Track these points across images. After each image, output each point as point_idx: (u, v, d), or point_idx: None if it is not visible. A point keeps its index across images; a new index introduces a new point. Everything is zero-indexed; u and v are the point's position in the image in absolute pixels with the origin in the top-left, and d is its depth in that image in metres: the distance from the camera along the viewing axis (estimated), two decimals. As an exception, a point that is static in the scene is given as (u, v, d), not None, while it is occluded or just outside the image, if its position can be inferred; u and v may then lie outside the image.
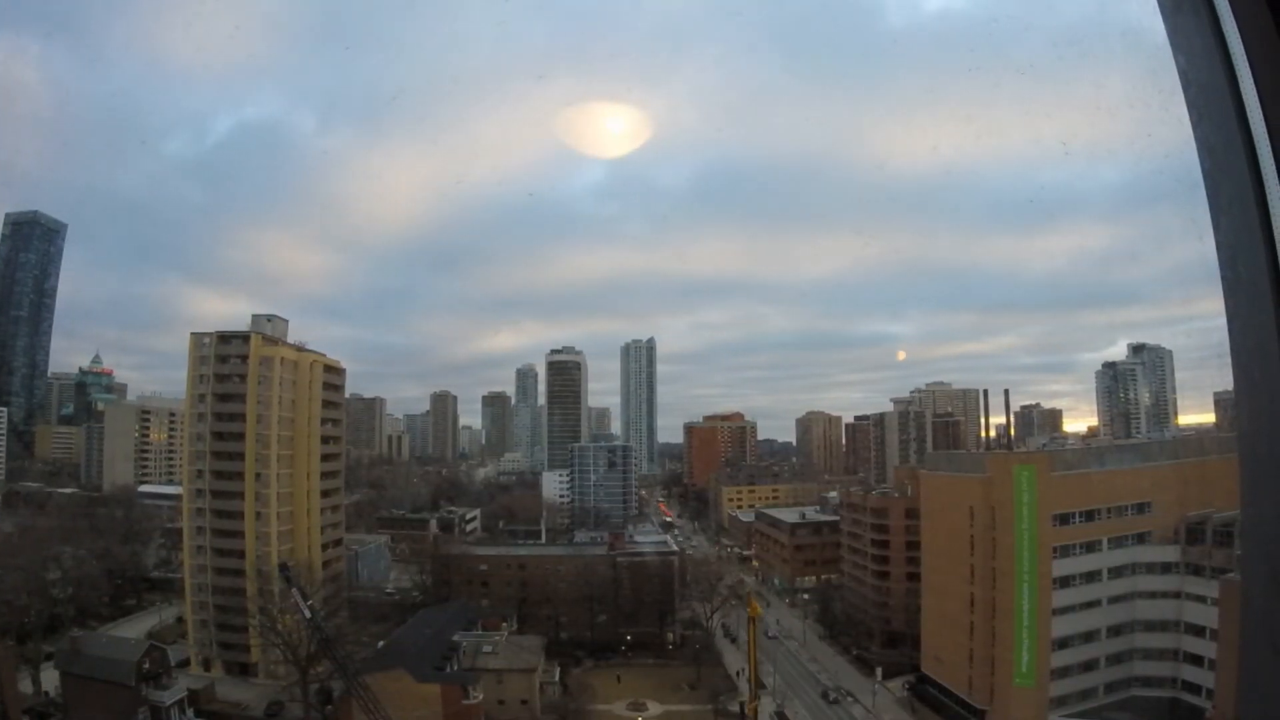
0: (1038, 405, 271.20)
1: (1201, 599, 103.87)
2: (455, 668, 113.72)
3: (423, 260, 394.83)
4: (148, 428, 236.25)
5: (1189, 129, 4.68)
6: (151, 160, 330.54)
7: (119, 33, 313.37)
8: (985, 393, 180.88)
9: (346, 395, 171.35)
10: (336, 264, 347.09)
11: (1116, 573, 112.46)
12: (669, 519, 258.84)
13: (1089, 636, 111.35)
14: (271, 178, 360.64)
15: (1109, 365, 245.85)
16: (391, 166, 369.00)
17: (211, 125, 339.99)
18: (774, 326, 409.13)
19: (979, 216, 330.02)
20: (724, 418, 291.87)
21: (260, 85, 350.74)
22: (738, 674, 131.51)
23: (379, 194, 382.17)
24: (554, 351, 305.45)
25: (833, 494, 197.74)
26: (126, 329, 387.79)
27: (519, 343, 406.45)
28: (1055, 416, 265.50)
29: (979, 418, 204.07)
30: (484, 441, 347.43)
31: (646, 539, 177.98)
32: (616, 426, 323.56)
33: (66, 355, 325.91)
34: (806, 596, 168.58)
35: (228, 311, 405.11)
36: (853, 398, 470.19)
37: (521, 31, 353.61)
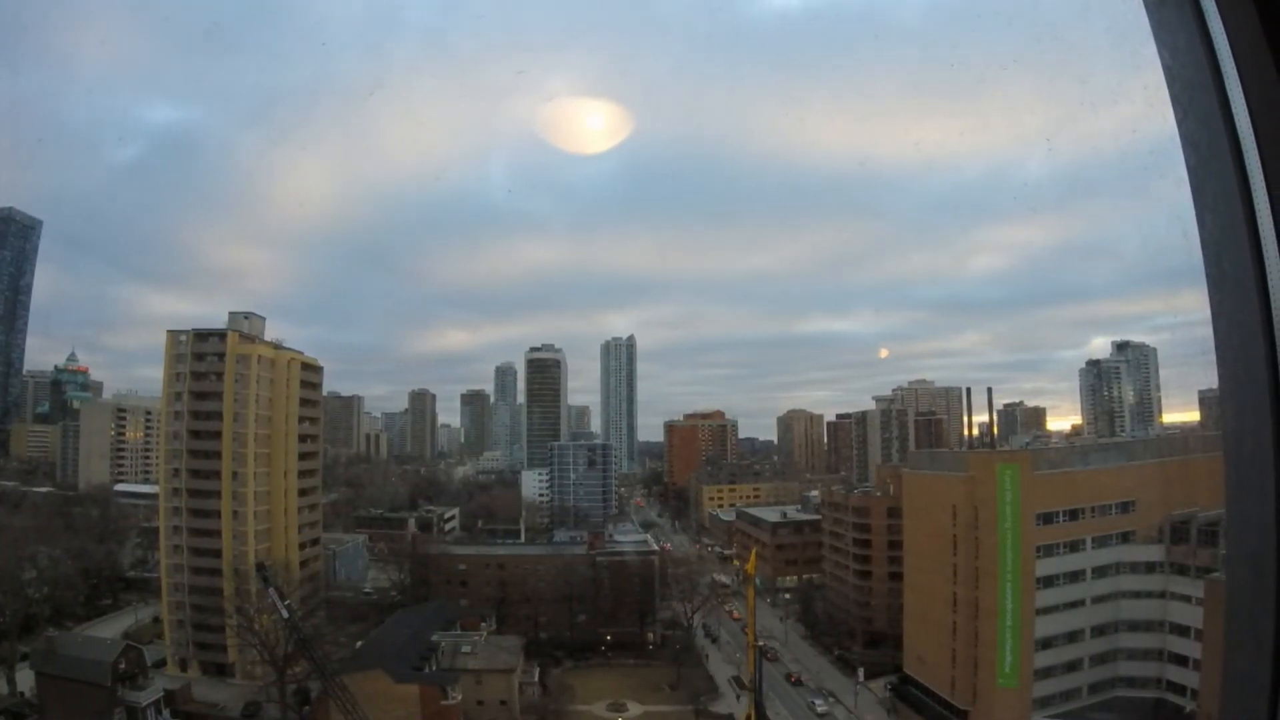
0: (1021, 403, 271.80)
1: (1186, 599, 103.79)
2: (434, 668, 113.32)
3: (359, 257, 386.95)
4: (124, 426, 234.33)
5: (1174, 124, 4.64)
6: (116, 160, 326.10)
7: (88, 32, 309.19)
8: (968, 391, 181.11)
9: (324, 393, 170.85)
10: (301, 264, 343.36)
11: (1100, 572, 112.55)
12: (643, 507, 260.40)
13: (1073, 637, 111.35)
14: (240, 177, 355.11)
15: (1093, 363, 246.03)
16: (365, 162, 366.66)
17: (176, 124, 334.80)
18: (743, 325, 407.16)
19: (960, 212, 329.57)
20: (704, 416, 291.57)
21: (233, 82, 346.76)
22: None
23: (346, 191, 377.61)
24: (533, 349, 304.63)
25: (814, 493, 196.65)
26: (101, 328, 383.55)
27: (463, 341, 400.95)
28: (1039, 415, 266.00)
29: (962, 416, 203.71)
30: (463, 440, 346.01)
31: (626, 538, 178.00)
32: (596, 425, 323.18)
33: (42, 353, 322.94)
34: (788, 596, 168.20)
35: (185, 312, 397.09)
36: (818, 395, 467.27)
37: (491, 24, 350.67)
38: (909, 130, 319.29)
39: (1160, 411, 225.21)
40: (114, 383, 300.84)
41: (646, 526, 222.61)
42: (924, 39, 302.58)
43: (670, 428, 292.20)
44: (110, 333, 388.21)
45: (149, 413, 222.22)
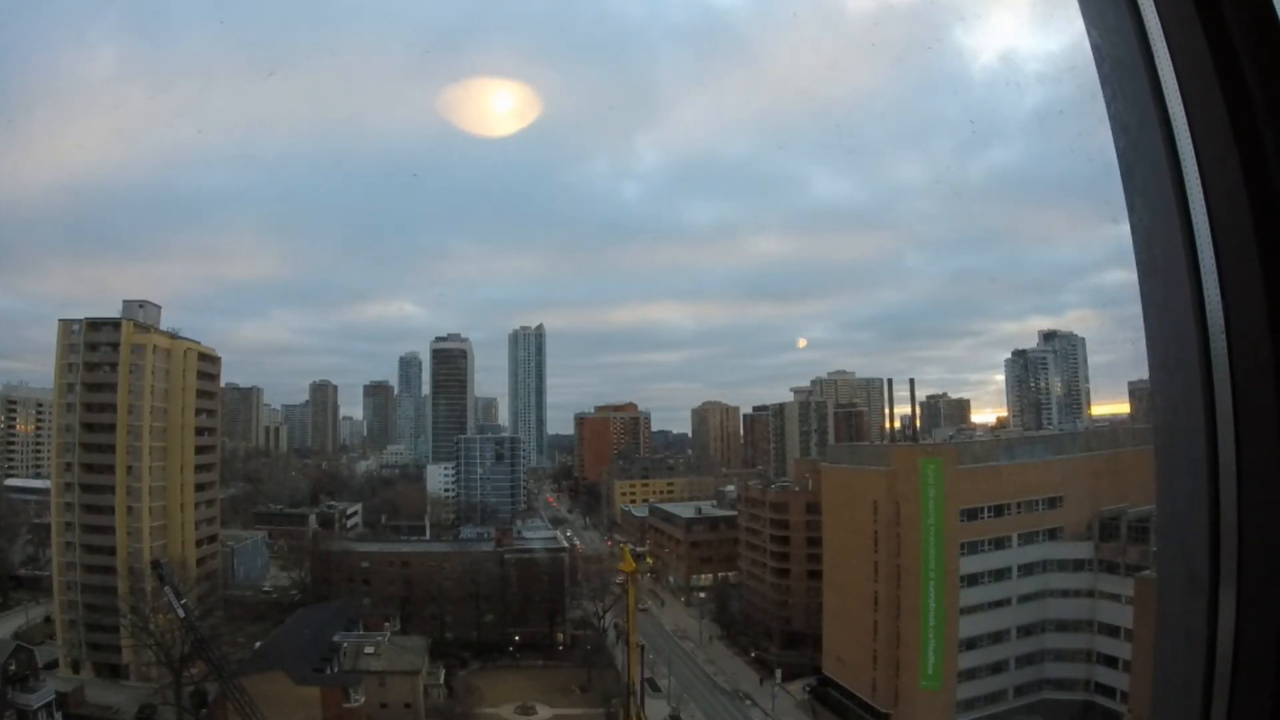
0: (944, 395, 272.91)
1: (1115, 597, 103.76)
2: (336, 669, 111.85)
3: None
4: (14, 418, 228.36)
5: (1103, 106, 4.54)
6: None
7: None
8: (889, 382, 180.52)
9: (222, 384, 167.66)
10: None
11: (1027, 570, 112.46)
12: (553, 504, 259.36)
13: (998, 637, 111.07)
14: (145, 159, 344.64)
15: (1019, 353, 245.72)
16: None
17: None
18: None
19: (881, 200, 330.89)
20: (616, 408, 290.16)
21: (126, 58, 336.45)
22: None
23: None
24: (439, 339, 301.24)
25: (730, 488, 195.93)
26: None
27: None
28: (963, 407, 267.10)
29: (883, 408, 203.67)
30: (365, 433, 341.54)
31: (536, 535, 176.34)
32: (505, 417, 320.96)
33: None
34: (703, 595, 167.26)
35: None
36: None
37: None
38: (827, 112, 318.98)
39: (1089, 403, 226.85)
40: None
41: (557, 523, 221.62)
42: (842, 17, 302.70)
43: (581, 420, 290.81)
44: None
45: (40, 404, 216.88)
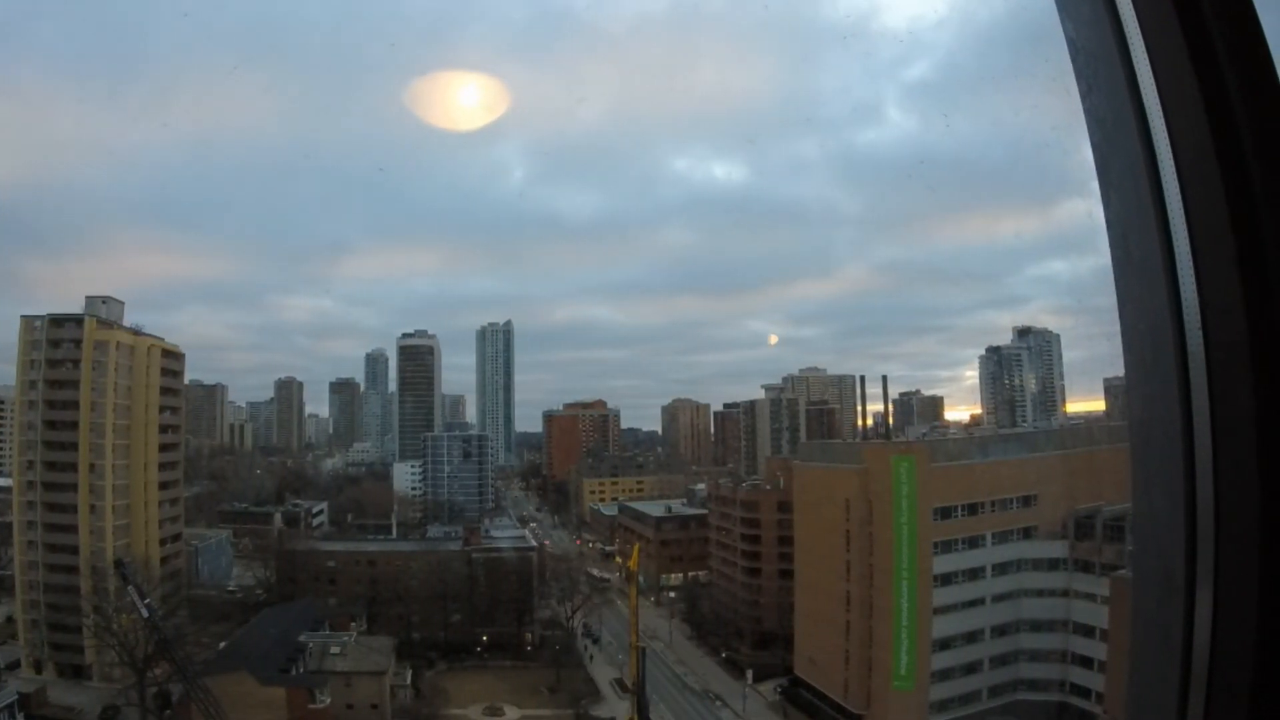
0: (917, 392, 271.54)
1: (1091, 597, 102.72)
2: (301, 670, 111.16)
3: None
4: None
5: (1078, 100, 4.50)
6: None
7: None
8: (862, 379, 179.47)
9: (186, 381, 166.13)
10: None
11: (1001, 569, 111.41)
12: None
13: (972, 637, 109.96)
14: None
15: (993, 350, 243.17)
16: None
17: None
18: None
19: (856, 196, 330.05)
20: (585, 405, 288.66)
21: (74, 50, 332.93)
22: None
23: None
24: (405, 335, 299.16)
25: (701, 486, 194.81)
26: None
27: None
28: (936, 404, 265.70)
29: (855, 405, 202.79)
30: (331, 431, 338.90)
31: (504, 534, 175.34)
32: (472, 414, 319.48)
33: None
34: (673, 595, 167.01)
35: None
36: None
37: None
38: (802, 108, 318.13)
39: (1064, 400, 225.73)
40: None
41: (525, 521, 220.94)
42: (817, 10, 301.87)
43: (549, 418, 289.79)
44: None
45: (1, 402, 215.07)
